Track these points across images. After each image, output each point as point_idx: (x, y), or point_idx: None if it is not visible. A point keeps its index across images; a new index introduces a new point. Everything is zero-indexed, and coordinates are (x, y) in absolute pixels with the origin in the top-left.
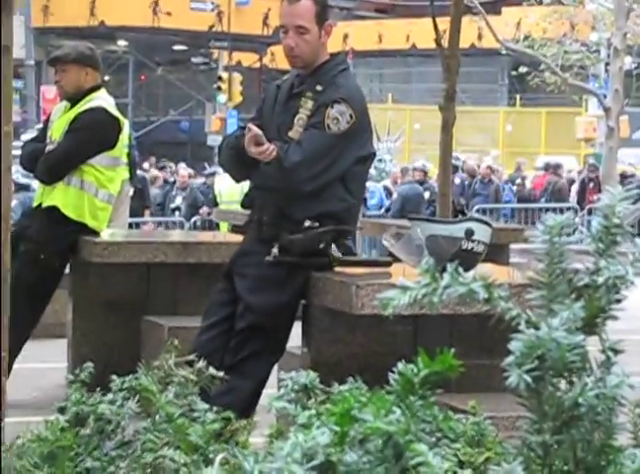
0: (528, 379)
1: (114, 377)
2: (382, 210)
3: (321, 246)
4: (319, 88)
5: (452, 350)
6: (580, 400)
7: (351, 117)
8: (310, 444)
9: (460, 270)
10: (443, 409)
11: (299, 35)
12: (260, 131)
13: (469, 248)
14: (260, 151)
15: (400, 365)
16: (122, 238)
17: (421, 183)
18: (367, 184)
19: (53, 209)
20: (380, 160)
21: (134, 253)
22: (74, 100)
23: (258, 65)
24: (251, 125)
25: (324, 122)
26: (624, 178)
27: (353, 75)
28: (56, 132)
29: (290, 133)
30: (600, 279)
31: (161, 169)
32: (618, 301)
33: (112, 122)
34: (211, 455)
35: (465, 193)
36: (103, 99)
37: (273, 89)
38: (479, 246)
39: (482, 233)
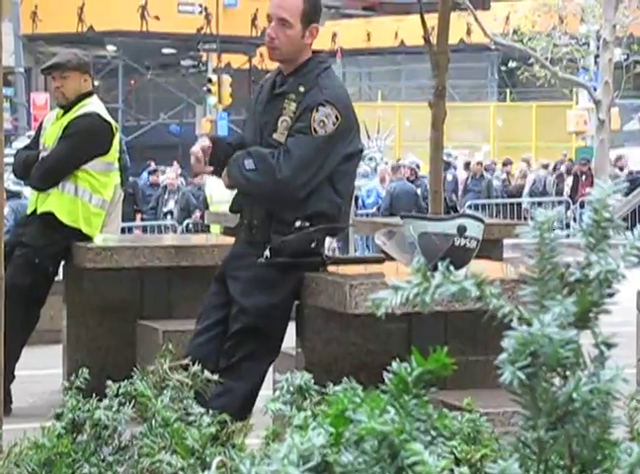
0: (522, 376)
1: (109, 383)
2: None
3: (313, 245)
4: (302, 89)
5: (446, 347)
6: (574, 395)
7: (336, 118)
8: (306, 446)
9: (452, 268)
10: (438, 407)
11: (281, 26)
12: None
13: (462, 244)
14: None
15: (394, 365)
16: (115, 243)
17: (412, 180)
18: (365, 182)
19: (48, 215)
20: (371, 159)
21: (127, 257)
22: (67, 106)
23: (247, 67)
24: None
25: (310, 127)
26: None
27: (335, 73)
28: (49, 139)
29: (275, 136)
30: (592, 274)
31: (152, 173)
32: (610, 295)
33: (105, 128)
34: (208, 459)
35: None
36: (95, 104)
37: (257, 89)
38: (472, 242)
39: (474, 229)
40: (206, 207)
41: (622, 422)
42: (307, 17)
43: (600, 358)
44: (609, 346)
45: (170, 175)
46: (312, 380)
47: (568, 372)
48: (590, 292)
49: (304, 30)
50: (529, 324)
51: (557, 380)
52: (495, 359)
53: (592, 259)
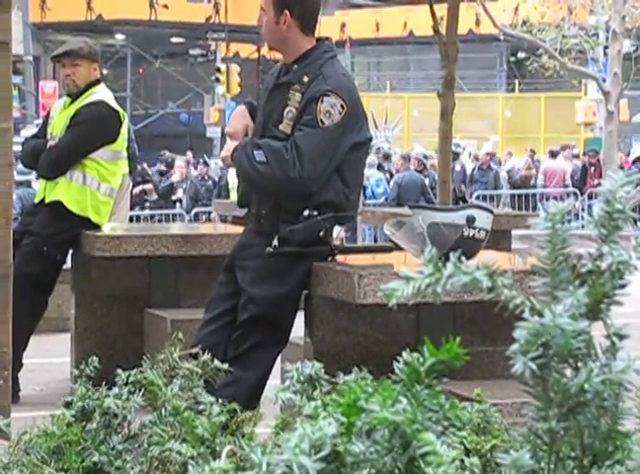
0: (534, 367)
1: (119, 371)
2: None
3: (321, 234)
4: (306, 79)
5: (457, 338)
6: (586, 386)
7: (342, 107)
8: (317, 435)
9: (463, 258)
10: (449, 397)
11: (263, 14)
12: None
13: (471, 235)
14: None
15: (405, 355)
16: (124, 232)
17: (420, 171)
18: (375, 172)
19: (57, 204)
20: (379, 149)
21: (136, 246)
22: (75, 95)
23: (256, 56)
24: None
25: (317, 118)
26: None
27: (340, 62)
28: (57, 128)
29: (281, 127)
30: (604, 265)
31: (162, 163)
32: (622, 286)
33: (113, 116)
34: (218, 448)
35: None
36: (103, 93)
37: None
38: (481, 233)
39: (483, 220)
40: (227, 194)
41: (634, 413)
42: (279, 3)
43: (611, 349)
44: (621, 337)
45: (179, 163)
46: (322, 370)
47: (580, 363)
48: (601, 283)
49: (277, 17)
50: (541, 315)
51: (569, 371)
52: (503, 351)
53: (604, 250)
